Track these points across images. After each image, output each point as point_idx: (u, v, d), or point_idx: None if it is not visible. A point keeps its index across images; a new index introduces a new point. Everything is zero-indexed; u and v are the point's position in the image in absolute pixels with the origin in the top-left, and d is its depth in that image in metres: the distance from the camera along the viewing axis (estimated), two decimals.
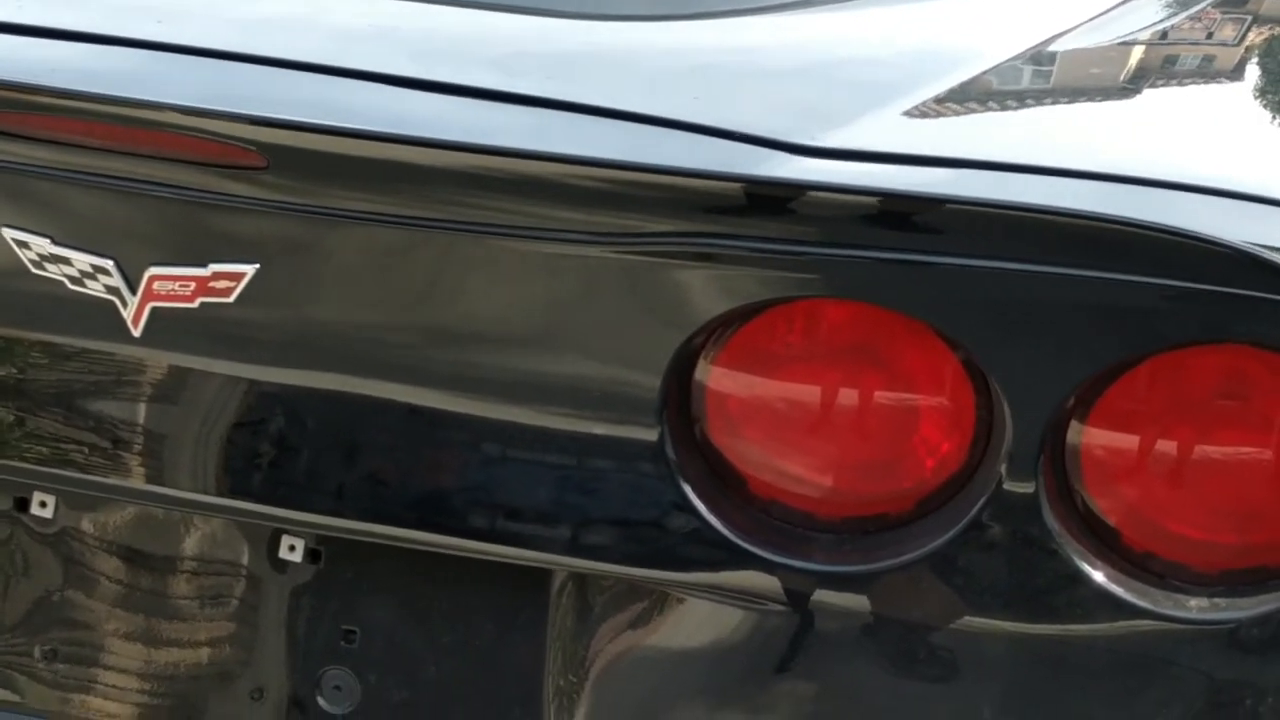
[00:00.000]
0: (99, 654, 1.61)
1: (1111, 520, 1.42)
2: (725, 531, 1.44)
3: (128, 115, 1.43)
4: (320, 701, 1.58)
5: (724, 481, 1.45)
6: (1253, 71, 1.90)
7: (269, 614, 1.58)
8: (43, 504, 1.60)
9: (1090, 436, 1.40)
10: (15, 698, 1.64)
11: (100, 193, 1.46)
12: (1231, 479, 1.39)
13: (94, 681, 1.62)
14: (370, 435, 1.48)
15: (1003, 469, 1.39)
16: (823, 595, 1.44)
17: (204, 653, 1.59)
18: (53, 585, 1.61)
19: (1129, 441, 1.40)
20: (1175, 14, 1.99)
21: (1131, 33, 1.85)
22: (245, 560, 1.57)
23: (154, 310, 1.46)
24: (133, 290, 1.46)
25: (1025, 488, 1.39)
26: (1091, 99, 1.72)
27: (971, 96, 1.60)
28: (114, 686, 1.62)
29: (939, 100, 1.55)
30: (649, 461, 1.43)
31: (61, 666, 1.62)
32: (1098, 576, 1.40)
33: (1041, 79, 1.72)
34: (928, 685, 1.45)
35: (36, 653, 1.63)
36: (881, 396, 1.43)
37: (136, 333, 1.47)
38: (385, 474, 1.49)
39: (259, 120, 1.40)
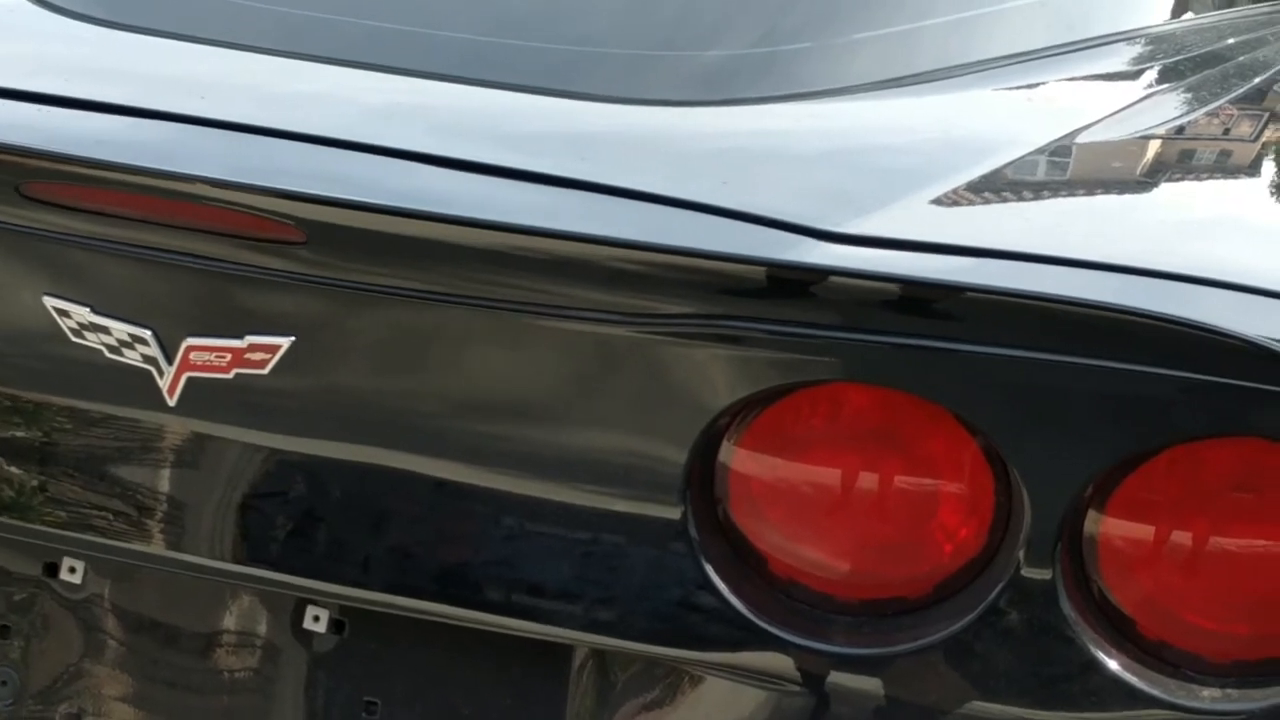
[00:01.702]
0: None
1: (1127, 609, 1.43)
2: (745, 612, 1.45)
3: (170, 188, 1.45)
4: None
5: (745, 562, 1.47)
6: (1269, 167, 1.92)
7: (292, 683, 1.59)
8: (72, 570, 1.61)
9: (1107, 525, 1.41)
10: None
11: (140, 264, 1.49)
12: (1246, 570, 1.41)
13: None
14: (398, 509, 1.50)
15: (1021, 555, 1.41)
16: (840, 677, 1.45)
17: None
18: (78, 651, 1.63)
19: (1145, 531, 1.41)
20: (1194, 110, 2.02)
21: (1151, 127, 1.88)
22: (270, 630, 1.59)
23: (190, 380, 1.49)
24: (169, 360, 1.49)
25: (1043, 574, 1.40)
26: (1112, 192, 1.74)
27: (996, 187, 1.62)
28: None
29: (963, 190, 1.58)
30: (671, 540, 1.45)
31: None
32: (1112, 665, 1.41)
33: (1064, 171, 1.74)
34: None
35: (59, 717, 1.64)
36: (902, 481, 1.44)
37: (172, 402, 1.50)
38: (412, 547, 1.51)
39: (298, 196, 1.43)
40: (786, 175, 1.59)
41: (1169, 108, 1.98)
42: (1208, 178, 1.85)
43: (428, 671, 1.57)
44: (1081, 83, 2.01)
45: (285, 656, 1.59)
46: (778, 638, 1.45)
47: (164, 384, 1.49)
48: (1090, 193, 1.73)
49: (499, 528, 1.48)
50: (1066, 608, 1.41)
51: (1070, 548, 1.41)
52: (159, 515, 1.54)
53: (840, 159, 1.67)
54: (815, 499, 1.45)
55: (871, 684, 1.45)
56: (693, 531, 1.45)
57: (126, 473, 1.54)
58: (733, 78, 1.79)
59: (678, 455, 1.44)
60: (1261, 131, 2.01)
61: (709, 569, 1.45)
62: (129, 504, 1.54)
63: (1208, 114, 2.01)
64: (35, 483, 1.57)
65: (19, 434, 1.57)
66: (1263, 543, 1.40)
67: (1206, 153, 1.94)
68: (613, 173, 1.52)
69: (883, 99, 1.80)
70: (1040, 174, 1.71)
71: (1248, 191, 1.83)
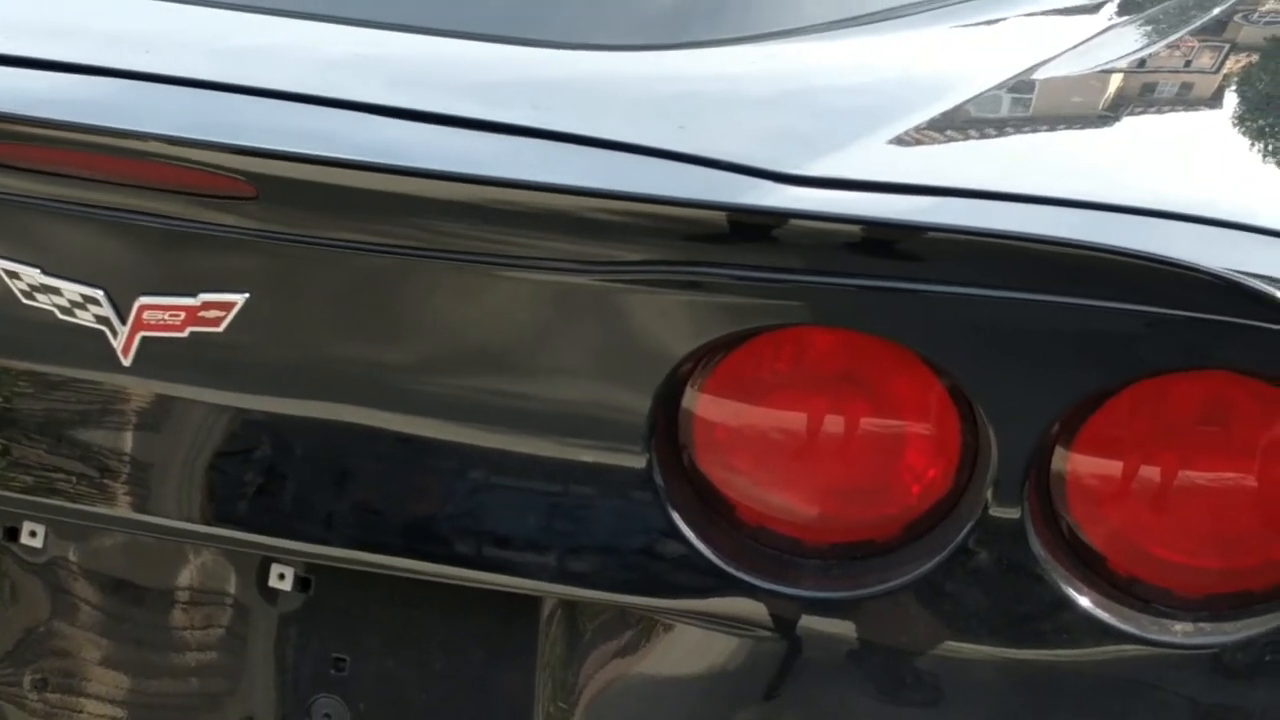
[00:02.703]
0: (88, 684, 1.61)
1: (1096, 545, 1.42)
2: (713, 558, 1.44)
3: (117, 145, 1.43)
4: None
5: (712, 508, 1.46)
6: (1230, 99, 1.92)
7: (259, 642, 1.58)
8: (33, 534, 1.60)
9: (1075, 463, 1.41)
10: None
11: (90, 223, 1.47)
12: (1214, 504, 1.40)
13: (83, 712, 1.63)
14: (359, 464, 1.48)
15: (988, 495, 1.40)
16: (810, 621, 1.45)
17: (194, 682, 1.59)
18: (42, 615, 1.62)
19: (1113, 467, 1.41)
20: (1154, 42, 2.01)
21: (1112, 61, 1.87)
22: (235, 589, 1.58)
23: (144, 340, 1.47)
24: (123, 320, 1.47)
25: (1011, 514, 1.40)
26: (1073, 127, 1.73)
27: (955, 124, 1.61)
28: (103, 716, 1.62)
29: (923, 128, 1.57)
30: (637, 489, 1.44)
31: (51, 696, 1.62)
32: (1083, 601, 1.41)
33: (1024, 107, 1.73)
34: (914, 711, 1.46)
35: (26, 682, 1.63)
36: (868, 423, 1.43)
37: (127, 362, 1.48)
38: (375, 502, 1.49)
39: (247, 150, 1.41)
40: (743, 118, 1.58)
41: (1129, 41, 1.97)
42: (1169, 111, 1.85)
43: (396, 627, 1.56)
44: (1040, 17, 2.00)
45: (251, 616, 1.58)
46: (746, 583, 1.44)
47: (118, 344, 1.48)
48: (1051, 128, 1.72)
49: (463, 481, 1.47)
50: (1036, 546, 1.40)
51: (1038, 486, 1.41)
52: (119, 477, 1.52)
53: (797, 100, 1.66)
54: (781, 443, 1.44)
55: (842, 627, 1.44)
56: (658, 479, 1.44)
57: (84, 435, 1.52)
58: (686, 21, 1.77)
59: (641, 403, 1.43)
60: (1222, 63, 2.01)
61: (675, 516, 1.44)
62: (88, 466, 1.53)
63: (1168, 46, 2.01)
64: None
65: None
66: (1231, 476, 1.40)
67: (1167, 86, 1.93)
68: (568, 120, 1.50)
69: (839, 39, 1.79)
70: (1000, 111, 1.70)
71: (1209, 124, 1.82)
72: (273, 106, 1.48)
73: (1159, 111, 1.83)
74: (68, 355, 1.51)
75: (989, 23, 1.93)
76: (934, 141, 1.59)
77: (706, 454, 1.46)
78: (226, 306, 1.45)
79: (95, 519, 1.55)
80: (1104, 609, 1.41)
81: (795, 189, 1.41)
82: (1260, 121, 1.85)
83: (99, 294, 1.47)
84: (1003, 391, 1.39)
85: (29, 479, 1.55)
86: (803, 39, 1.77)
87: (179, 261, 1.46)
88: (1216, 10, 2.15)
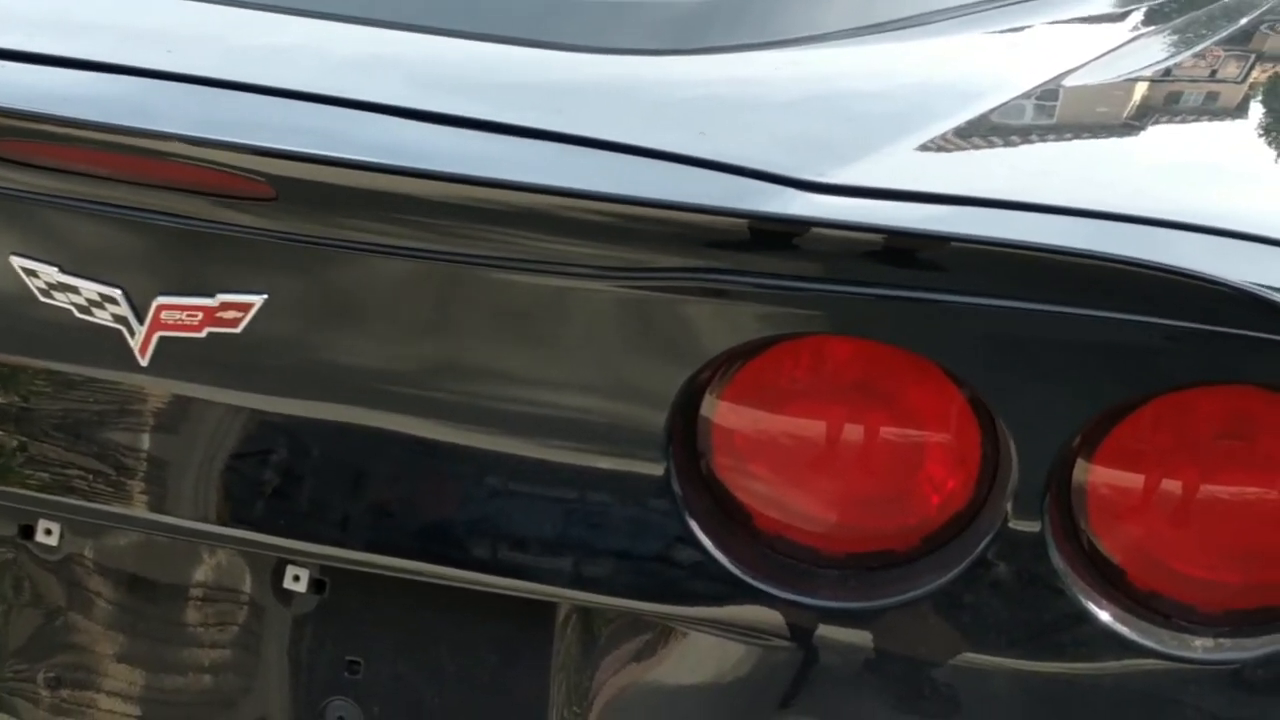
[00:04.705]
0: (102, 681, 1.61)
1: (1117, 559, 1.42)
2: (730, 566, 1.44)
3: (137, 145, 1.43)
4: None
5: (729, 516, 1.46)
6: (1256, 110, 1.91)
7: (273, 644, 1.58)
8: (48, 531, 1.60)
9: (1096, 475, 1.40)
10: None
11: (109, 222, 1.47)
12: (1237, 519, 1.39)
13: (96, 709, 1.62)
14: (376, 467, 1.48)
15: (1008, 507, 1.39)
16: (827, 631, 1.44)
17: (207, 682, 1.59)
18: (57, 612, 1.61)
19: (1135, 481, 1.40)
20: (1180, 52, 2.00)
21: (1137, 71, 1.86)
22: (249, 590, 1.57)
23: (161, 340, 1.47)
24: (140, 319, 1.47)
25: (1031, 526, 1.39)
26: (1098, 136, 1.72)
27: (979, 133, 1.60)
28: (116, 714, 1.62)
29: (946, 137, 1.56)
30: (654, 496, 1.44)
31: (64, 693, 1.62)
32: (1103, 615, 1.40)
33: (1048, 116, 1.72)
34: None
35: (39, 679, 1.63)
36: (887, 433, 1.43)
37: (144, 362, 1.47)
38: (391, 505, 1.49)
39: (268, 151, 1.41)
40: (766, 124, 1.57)
41: (1155, 50, 1.96)
42: (1194, 121, 1.84)
43: (410, 630, 1.56)
44: (1066, 26, 1.99)
45: (266, 617, 1.57)
46: (763, 592, 1.44)
47: (135, 344, 1.47)
48: (1076, 138, 1.71)
49: (480, 485, 1.47)
50: (1056, 559, 1.40)
51: (1059, 499, 1.40)
52: (134, 476, 1.52)
53: (821, 107, 1.65)
54: (799, 452, 1.44)
55: (859, 637, 1.43)
56: (676, 486, 1.44)
57: (100, 434, 1.52)
58: (709, 26, 1.76)
59: (659, 410, 1.42)
60: (1248, 73, 2.00)
61: (693, 524, 1.44)
62: (104, 465, 1.52)
63: (1194, 56, 2.00)
64: (8, 445, 1.55)
65: None
66: (1253, 490, 1.39)
67: (1193, 96, 1.92)
68: (588, 124, 1.50)
69: (863, 45, 1.78)
70: (1025, 119, 1.69)
71: (1235, 135, 1.81)
72: (293, 107, 1.47)
73: (1184, 122, 1.82)
74: (84, 354, 1.50)
75: (1014, 30, 1.92)
76: (958, 150, 1.58)
77: (725, 462, 1.45)
78: (244, 308, 1.45)
79: (110, 518, 1.54)
80: (1124, 623, 1.40)
81: (817, 196, 1.40)
82: None
83: (117, 293, 1.47)
84: (1024, 403, 1.38)
85: (45, 477, 1.54)
86: (826, 45, 1.76)
87: (198, 262, 1.46)
88: (1243, 20, 2.14)
